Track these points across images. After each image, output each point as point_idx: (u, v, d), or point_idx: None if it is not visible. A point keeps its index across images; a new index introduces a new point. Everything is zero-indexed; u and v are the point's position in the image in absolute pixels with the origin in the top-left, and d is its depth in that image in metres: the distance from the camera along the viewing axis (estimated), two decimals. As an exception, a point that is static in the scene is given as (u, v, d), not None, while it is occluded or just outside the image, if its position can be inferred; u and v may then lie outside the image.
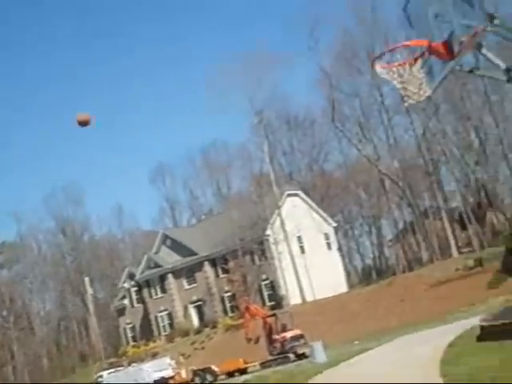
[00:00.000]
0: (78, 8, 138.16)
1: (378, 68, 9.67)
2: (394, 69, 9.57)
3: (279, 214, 70.07)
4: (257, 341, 51.05)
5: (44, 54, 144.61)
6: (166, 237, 78.07)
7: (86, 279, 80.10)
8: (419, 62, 9.60)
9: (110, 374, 58.27)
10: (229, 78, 72.52)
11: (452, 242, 69.58)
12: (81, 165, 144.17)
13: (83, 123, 10.96)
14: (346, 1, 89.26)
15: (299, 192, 76.25)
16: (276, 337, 45.93)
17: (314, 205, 76.36)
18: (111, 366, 67.29)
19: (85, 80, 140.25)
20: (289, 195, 73.81)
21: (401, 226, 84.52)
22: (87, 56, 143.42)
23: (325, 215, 76.65)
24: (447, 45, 9.42)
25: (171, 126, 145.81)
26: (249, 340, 49.25)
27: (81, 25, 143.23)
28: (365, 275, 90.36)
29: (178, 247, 75.63)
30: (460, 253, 68.48)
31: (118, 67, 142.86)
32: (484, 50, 9.62)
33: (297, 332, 45.69)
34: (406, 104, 9.79)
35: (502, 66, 9.69)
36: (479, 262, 53.89)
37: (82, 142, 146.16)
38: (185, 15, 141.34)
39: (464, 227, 75.80)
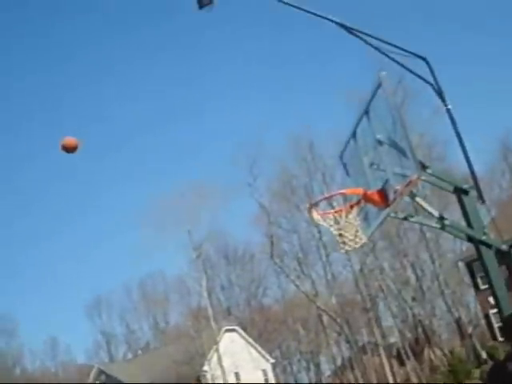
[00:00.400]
0: None
1: (315, 215, 9.85)
2: (331, 216, 9.76)
3: (217, 350, 69.06)
4: None
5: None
6: (100, 371, 76.01)
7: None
8: (355, 209, 9.82)
9: None
10: (167, 211, 72.97)
11: (390, 379, 69.19)
12: (15, 295, 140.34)
13: (70, 149, 9.48)
14: (285, 138, 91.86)
15: (237, 327, 75.61)
16: None
17: (251, 340, 75.63)
18: None
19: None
20: (227, 330, 73.08)
21: (339, 362, 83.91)
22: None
23: (263, 351, 75.86)
24: (382, 193, 9.67)
25: (108, 257, 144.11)
26: None
27: None
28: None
29: (113, 383, 73.59)
30: (398, 389, 68.03)
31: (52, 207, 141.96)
32: (418, 199, 9.90)
33: None
34: (342, 251, 9.93)
35: (435, 214, 9.96)
36: (418, 400, 53.57)
37: (16, 271, 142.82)
38: (119, 146, 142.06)
39: (402, 363, 75.66)
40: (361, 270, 72.09)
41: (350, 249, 9.83)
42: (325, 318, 75.37)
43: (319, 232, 72.21)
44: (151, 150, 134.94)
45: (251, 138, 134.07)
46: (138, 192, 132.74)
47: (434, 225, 10.22)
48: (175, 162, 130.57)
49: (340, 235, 9.72)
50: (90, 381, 75.80)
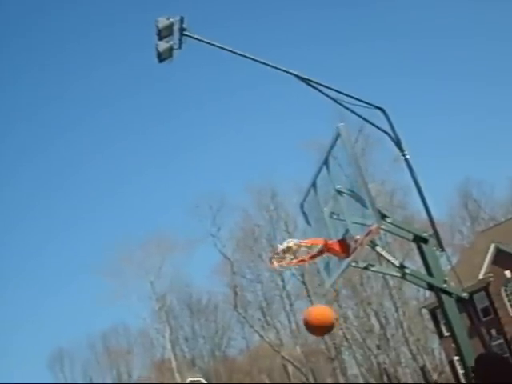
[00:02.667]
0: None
1: (276, 265, 9.86)
2: (292, 266, 9.78)
3: (181, 402, 68.24)
4: None
5: None
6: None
7: None
8: (316, 259, 9.85)
9: None
10: (130, 262, 72.45)
11: (357, 428, 68.80)
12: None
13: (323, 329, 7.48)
14: (247, 188, 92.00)
15: (201, 379, 74.54)
16: None
17: (216, 392, 74.90)
18: None
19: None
20: (191, 382, 72.09)
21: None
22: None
23: (228, 404, 75.15)
24: (343, 243, 9.72)
25: (71, 308, 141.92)
26: None
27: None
28: None
29: None
30: None
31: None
32: (378, 248, 9.96)
33: None
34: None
35: (396, 262, 10.01)
36: None
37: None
38: (83, 193, 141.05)
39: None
40: (325, 318, 71.97)
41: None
42: (290, 368, 74.88)
43: (283, 281, 72.21)
44: (116, 201, 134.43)
45: (214, 189, 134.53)
46: (101, 242, 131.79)
47: (395, 274, 10.28)
48: (138, 212, 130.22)
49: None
50: None
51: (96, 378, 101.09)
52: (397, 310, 68.25)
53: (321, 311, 7.38)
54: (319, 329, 7.62)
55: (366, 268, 10.49)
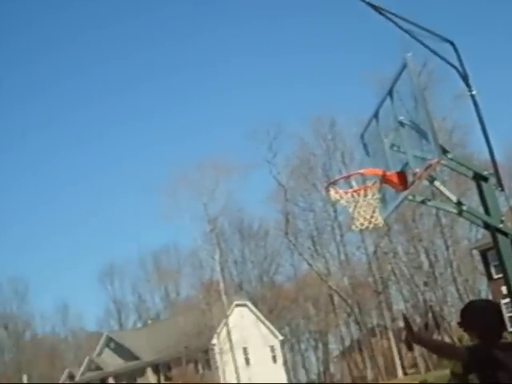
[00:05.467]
0: None
1: (332, 193, 9.80)
2: (349, 195, 9.71)
3: (226, 324, 69.38)
4: None
5: None
6: (109, 339, 76.64)
7: (25, 376, 77.77)
8: (373, 189, 9.75)
9: None
10: (184, 181, 72.84)
11: (398, 363, 69.31)
12: (28, 258, 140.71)
13: None
14: (306, 116, 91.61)
15: (248, 303, 75.83)
16: None
17: (261, 316, 75.87)
18: None
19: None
20: (237, 305, 73.29)
21: (347, 342, 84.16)
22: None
23: (272, 328, 76.09)
24: (401, 175, 9.60)
25: (124, 227, 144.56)
26: None
27: None
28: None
29: (121, 350, 74.15)
30: (405, 374, 68.08)
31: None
32: (437, 183, 9.81)
33: None
34: (355, 229, 9.86)
35: (454, 199, 9.87)
36: (424, 385, 53.45)
37: (30, 234, 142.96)
38: (136, 118, 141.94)
39: (410, 347, 75.68)
40: (374, 252, 72.10)
41: (362, 227, 9.77)
42: (336, 298, 75.58)
43: (335, 212, 72.25)
44: (174, 119, 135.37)
45: (272, 115, 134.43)
46: (157, 161, 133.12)
47: (452, 209, 10.15)
48: (195, 132, 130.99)
49: (356, 214, 9.67)
50: (99, 348, 76.55)
51: (144, 295, 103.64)
52: (447, 249, 68.01)
53: None
54: None
55: (422, 202, 10.35)
